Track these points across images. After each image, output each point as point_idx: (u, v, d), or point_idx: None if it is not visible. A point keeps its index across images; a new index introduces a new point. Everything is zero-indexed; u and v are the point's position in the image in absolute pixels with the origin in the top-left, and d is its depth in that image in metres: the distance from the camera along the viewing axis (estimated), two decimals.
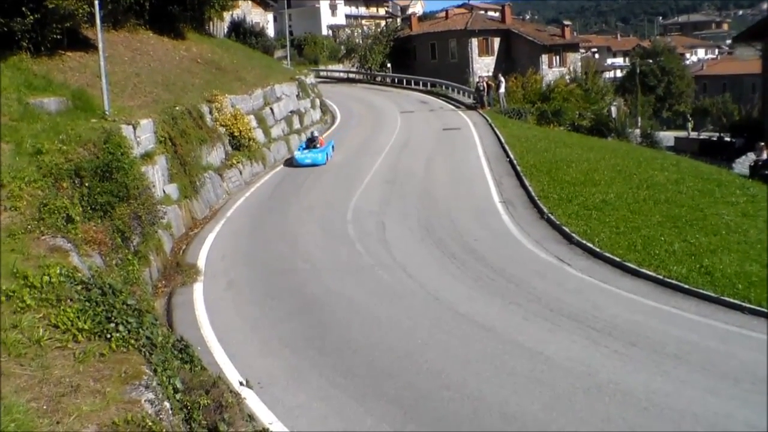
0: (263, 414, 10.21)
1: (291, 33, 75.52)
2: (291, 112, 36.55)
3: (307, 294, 15.82)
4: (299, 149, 31.32)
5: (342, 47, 78.16)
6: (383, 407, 10.59)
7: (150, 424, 5.68)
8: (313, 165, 29.70)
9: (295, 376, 11.73)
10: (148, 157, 18.90)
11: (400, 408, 10.54)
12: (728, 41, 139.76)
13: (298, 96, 39.06)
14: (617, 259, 17.43)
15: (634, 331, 13.48)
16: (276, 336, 13.49)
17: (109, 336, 7.08)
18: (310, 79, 46.02)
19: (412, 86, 61.29)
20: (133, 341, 7.15)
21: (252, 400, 10.42)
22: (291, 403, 10.72)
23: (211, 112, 26.14)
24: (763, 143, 32.48)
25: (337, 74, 72.09)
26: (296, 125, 36.50)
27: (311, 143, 31.21)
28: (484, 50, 69.29)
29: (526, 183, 25.21)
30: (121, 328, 7.25)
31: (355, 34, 77.24)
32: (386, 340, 13.20)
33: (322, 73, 68.54)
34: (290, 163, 30.66)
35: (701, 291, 15.32)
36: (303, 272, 17.34)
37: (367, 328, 13.78)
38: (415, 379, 11.51)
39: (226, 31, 54.54)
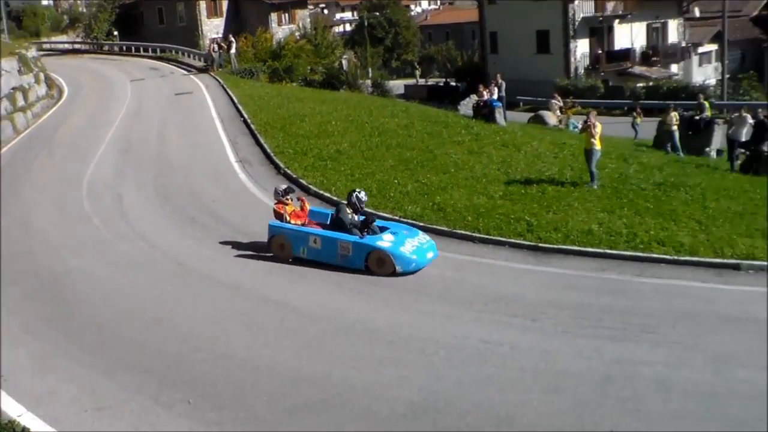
0: (11, 407, 9.82)
1: (7, 4, 70.52)
2: (13, 88, 34.31)
3: (47, 275, 15.23)
4: (398, 241, 14.42)
5: (65, 17, 74.11)
6: (136, 379, 10.43)
7: None
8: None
9: (40, 362, 11.28)
10: None
11: (153, 376, 10.44)
12: None
13: (19, 71, 36.63)
14: None
15: None
16: (16, 324, 12.80)
17: None
18: (33, 53, 43.42)
19: (142, 53, 59.30)
20: None
21: None
22: (39, 391, 10.32)
23: None
24: (483, 85, 34.39)
25: (61, 46, 68.23)
26: (21, 102, 34.32)
27: (368, 222, 15.15)
28: (213, 12, 68.08)
29: (261, 140, 25.38)
30: None
31: (78, 2, 73.52)
32: (133, 311, 13.00)
33: (45, 46, 64.59)
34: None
35: (435, 226, 16.25)
36: (40, 253, 16.64)
37: (112, 302, 13.49)
38: (165, 346, 11.45)
39: None
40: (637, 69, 55.54)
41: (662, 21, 58.83)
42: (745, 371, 10.00)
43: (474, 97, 34.36)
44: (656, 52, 57.62)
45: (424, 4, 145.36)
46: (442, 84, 65.03)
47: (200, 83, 41.26)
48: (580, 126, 20.18)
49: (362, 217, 15.18)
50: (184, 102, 35.74)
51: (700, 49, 61.63)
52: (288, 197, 15.55)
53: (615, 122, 38.16)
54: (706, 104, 30.54)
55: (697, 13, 67.30)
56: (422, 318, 12.09)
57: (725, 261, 14.38)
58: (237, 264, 15.04)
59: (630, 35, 56.56)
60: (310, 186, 19.95)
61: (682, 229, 15.92)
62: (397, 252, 14.00)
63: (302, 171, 21.23)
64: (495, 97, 31.92)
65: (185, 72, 47.82)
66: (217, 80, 41.52)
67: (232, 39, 49.84)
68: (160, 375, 10.50)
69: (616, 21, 55.88)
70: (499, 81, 33.43)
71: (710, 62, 61.98)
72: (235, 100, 33.47)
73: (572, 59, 54.07)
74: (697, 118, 28.73)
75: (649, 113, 38.35)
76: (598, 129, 19.12)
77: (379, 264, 14.07)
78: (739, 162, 23.68)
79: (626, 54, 55.76)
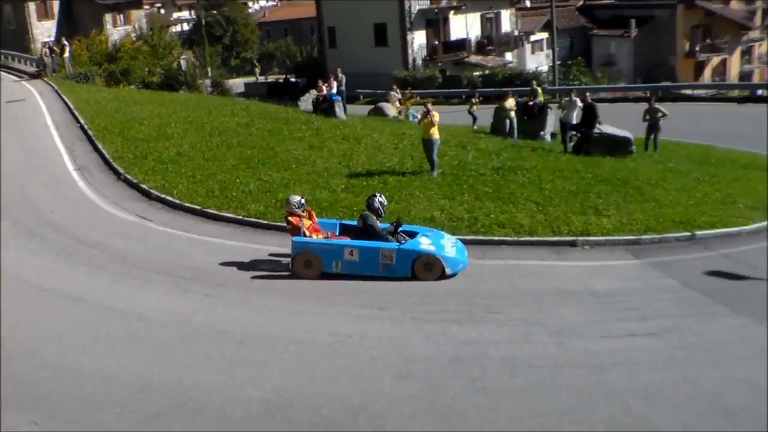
0: None
1: None
2: None
3: None
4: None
5: None
6: None
7: None
8: None
9: None
10: None
11: None
12: None
13: None
14: (197, 207, 17.87)
15: (221, 273, 14.02)
16: None
17: None
18: None
19: None
20: None
21: None
22: None
23: None
24: (321, 80, 34.52)
25: None
26: None
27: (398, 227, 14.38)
28: (44, 14, 65.49)
29: (100, 146, 24.60)
30: None
31: None
32: None
33: None
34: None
35: (280, 224, 15.96)
36: None
37: None
38: (8, 367, 10.84)
39: None
40: (473, 58, 57.10)
41: (495, 11, 60.72)
42: (583, 342, 10.59)
43: (314, 92, 34.46)
44: (491, 41, 59.45)
45: (262, 2, 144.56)
46: (281, 81, 65.00)
47: (33, 90, 39.62)
48: (419, 116, 20.69)
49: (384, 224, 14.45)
50: (16, 110, 34.15)
51: (532, 38, 64.09)
52: (302, 209, 14.32)
53: (454, 111, 39.09)
54: (539, 90, 31.69)
55: (528, 3, 70.23)
56: (271, 316, 12.11)
57: (562, 239, 15.19)
58: (79, 275, 14.55)
59: (465, 26, 58.09)
60: (152, 190, 19.57)
61: (521, 210, 16.63)
62: (444, 254, 13.60)
63: (143, 175, 20.78)
64: (334, 91, 32.10)
65: (16, 78, 45.87)
66: (51, 86, 39.98)
67: (66, 42, 48.10)
68: (3, 398, 9.97)
69: (451, 12, 57.28)
70: (339, 75, 33.63)
71: (542, 50, 64.51)
72: (71, 106, 32.30)
73: (410, 51, 55.11)
74: (531, 103, 29.81)
75: (486, 100, 39.52)
76: (436, 118, 19.54)
77: (427, 268, 13.51)
78: (571, 144, 24.71)
79: (462, 44, 57.24)
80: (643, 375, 9.56)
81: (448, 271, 13.49)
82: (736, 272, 13.77)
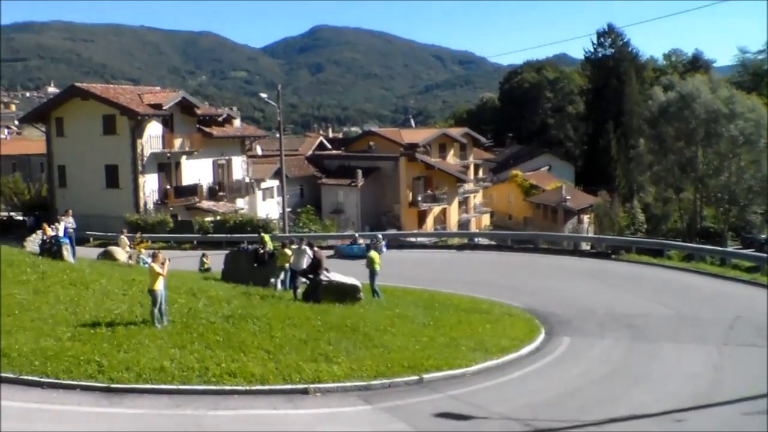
0: None
1: None
2: None
3: None
4: None
5: None
6: None
7: None
8: None
9: None
10: None
11: None
12: (16, 122, 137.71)
13: None
14: None
15: None
16: None
17: None
18: None
19: None
20: None
21: None
22: None
23: None
24: (46, 224, 32.85)
25: None
26: None
27: None
28: None
29: None
30: None
31: None
32: None
33: None
34: None
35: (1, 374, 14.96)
36: None
37: None
38: None
39: None
40: (205, 204, 57.23)
41: (227, 158, 61.57)
42: None
43: (41, 233, 32.86)
44: (222, 187, 59.93)
45: None
46: (6, 217, 61.50)
47: None
48: (149, 261, 20.06)
49: None
50: None
51: (263, 185, 65.39)
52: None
53: (185, 256, 38.73)
54: (266, 237, 31.82)
55: (259, 151, 71.87)
56: None
57: (294, 386, 15.25)
58: None
59: (197, 171, 58.24)
60: None
61: (252, 359, 16.54)
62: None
63: None
64: (61, 233, 30.75)
65: None
66: None
67: None
68: None
69: (184, 157, 57.25)
70: (69, 217, 32.38)
71: (273, 197, 65.75)
72: None
73: (141, 194, 54.21)
74: (262, 251, 29.69)
75: (218, 246, 39.45)
76: (162, 269, 18.94)
77: None
78: (300, 291, 24.91)
79: (194, 189, 57.25)
80: None
81: None
82: (463, 413, 14.42)
